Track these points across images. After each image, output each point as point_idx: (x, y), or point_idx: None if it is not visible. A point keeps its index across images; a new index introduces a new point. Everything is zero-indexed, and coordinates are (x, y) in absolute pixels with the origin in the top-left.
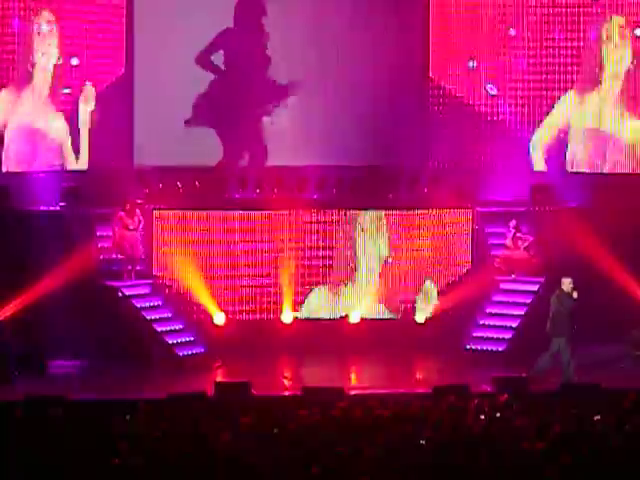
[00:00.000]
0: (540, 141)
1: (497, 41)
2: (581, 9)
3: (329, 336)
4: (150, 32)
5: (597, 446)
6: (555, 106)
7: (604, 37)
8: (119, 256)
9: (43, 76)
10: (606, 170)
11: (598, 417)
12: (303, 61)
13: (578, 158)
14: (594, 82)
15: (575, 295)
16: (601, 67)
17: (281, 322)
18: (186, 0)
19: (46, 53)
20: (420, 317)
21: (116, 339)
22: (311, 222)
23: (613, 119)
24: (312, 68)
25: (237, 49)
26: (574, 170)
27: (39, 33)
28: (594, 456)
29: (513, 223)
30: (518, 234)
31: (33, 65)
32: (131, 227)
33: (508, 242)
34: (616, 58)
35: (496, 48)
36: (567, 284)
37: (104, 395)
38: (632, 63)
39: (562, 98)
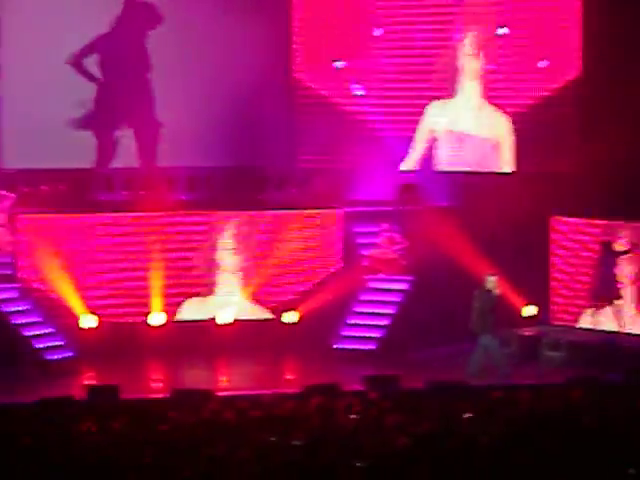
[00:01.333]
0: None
1: (363, 41)
2: (445, 9)
3: (199, 338)
4: (16, 31)
5: (465, 444)
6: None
7: (462, 44)
8: None
9: None
10: (472, 169)
11: (468, 415)
12: (171, 60)
13: (445, 158)
14: (453, 86)
15: (497, 291)
16: (459, 72)
17: (150, 325)
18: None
19: None
20: (289, 317)
21: None
22: (180, 224)
23: (475, 120)
24: (178, 68)
25: (115, 51)
26: (443, 169)
27: None
28: (462, 453)
29: (386, 225)
30: (392, 235)
31: None
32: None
33: (381, 241)
34: (472, 66)
35: (362, 48)
36: (491, 282)
37: None
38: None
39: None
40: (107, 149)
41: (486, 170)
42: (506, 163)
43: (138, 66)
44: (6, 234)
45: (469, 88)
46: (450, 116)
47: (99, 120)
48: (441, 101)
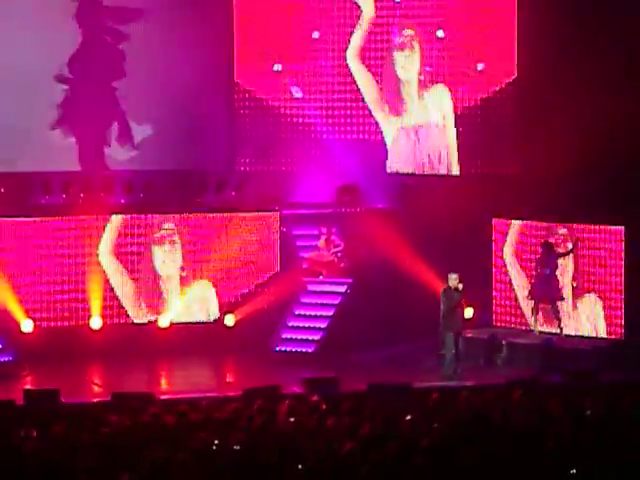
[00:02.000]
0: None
1: (302, 44)
2: (383, 11)
3: (139, 341)
4: None
5: (406, 446)
6: None
7: (397, 45)
8: None
9: None
10: (416, 171)
11: (408, 417)
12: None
13: (391, 160)
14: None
15: (460, 287)
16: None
17: (90, 328)
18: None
19: None
20: (229, 320)
21: None
22: (119, 226)
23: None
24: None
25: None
26: (389, 171)
27: None
28: (403, 456)
29: (325, 228)
30: (331, 237)
31: None
32: None
33: (320, 244)
34: (407, 65)
35: (301, 51)
36: (453, 279)
37: None
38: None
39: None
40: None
41: (433, 171)
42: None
43: (89, 70)
44: None
45: (407, 86)
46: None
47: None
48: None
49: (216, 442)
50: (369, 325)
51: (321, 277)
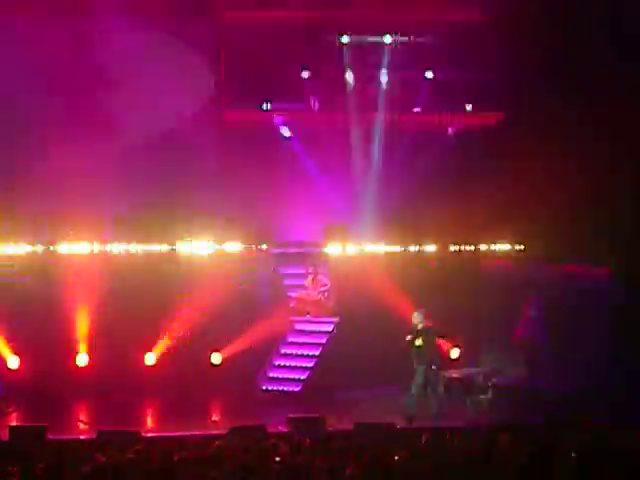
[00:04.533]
0: None
1: (290, 83)
2: (372, 51)
3: (125, 379)
4: None
5: None
6: None
7: None
8: None
9: None
10: None
11: (397, 457)
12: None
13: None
14: None
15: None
16: None
17: (76, 365)
18: None
19: None
20: (216, 359)
21: None
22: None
23: None
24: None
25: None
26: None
27: None
28: None
29: (312, 267)
30: (318, 276)
31: None
32: None
33: (307, 283)
34: None
35: (290, 90)
36: (416, 316)
37: None
38: None
39: None
40: None
41: None
42: None
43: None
44: None
45: None
46: None
47: None
48: None
49: None
50: (355, 364)
51: (308, 316)
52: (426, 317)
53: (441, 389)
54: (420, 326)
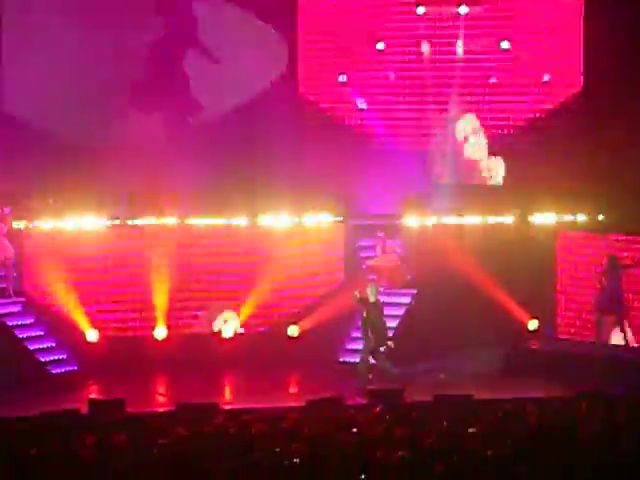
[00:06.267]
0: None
1: (366, 55)
2: (447, 22)
3: (203, 351)
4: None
5: (469, 457)
6: None
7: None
8: None
9: None
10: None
11: (472, 429)
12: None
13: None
14: None
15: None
16: None
17: (154, 338)
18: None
19: None
20: (293, 331)
21: None
22: (182, 235)
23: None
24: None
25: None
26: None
27: None
28: (466, 467)
29: (380, 237)
30: (387, 243)
31: None
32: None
33: (378, 251)
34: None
35: (366, 62)
36: (370, 289)
37: None
38: None
39: None
40: None
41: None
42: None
43: None
44: (6, 246)
45: None
46: None
47: None
48: None
49: (278, 453)
50: (434, 336)
51: (381, 288)
52: (377, 291)
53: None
54: (372, 299)
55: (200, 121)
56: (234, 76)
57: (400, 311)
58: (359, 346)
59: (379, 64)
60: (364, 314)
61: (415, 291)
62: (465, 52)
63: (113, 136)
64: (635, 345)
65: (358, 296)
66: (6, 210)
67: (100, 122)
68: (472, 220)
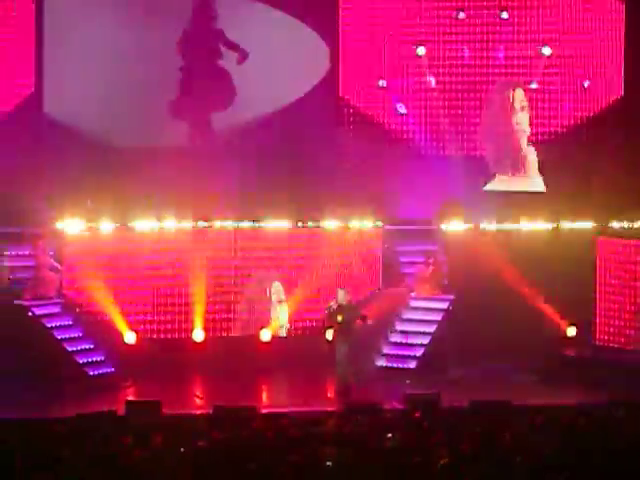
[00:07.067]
0: None
1: (406, 60)
2: (488, 28)
3: (241, 354)
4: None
5: (505, 463)
6: None
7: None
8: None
9: None
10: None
11: (508, 434)
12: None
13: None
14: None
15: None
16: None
17: (192, 341)
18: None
19: None
20: (330, 334)
21: (26, 359)
22: (221, 238)
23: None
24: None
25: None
26: (489, 189)
27: None
28: (501, 474)
29: (427, 244)
30: (433, 254)
31: None
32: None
33: (422, 260)
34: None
35: (405, 67)
36: (340, 294)
37: (12, 415)
38: None
39: None
40: None
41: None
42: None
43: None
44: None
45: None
46: None
47: None
48: None
49: (313, 458)
50: (470, 342)
51: (413, 294)
52: (348, 295)
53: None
54: (344, 303)
55: (242, 123)
56: (275, 78)
57: (437, 317)
58: (397, 351)
59: (419, 69)
60: (339, 319)
61: (452, 297)
62: (505, 57)
63: (156, 137)
64: None
65: (334, 306)
66: (40, 243)
67: (143, 123)
68: (511, 226)
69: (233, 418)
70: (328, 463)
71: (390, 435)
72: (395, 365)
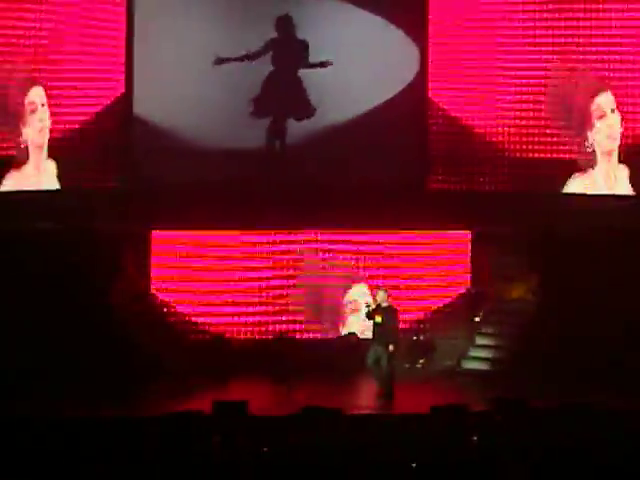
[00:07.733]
0: None
1: (495, 62)
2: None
3: (327, 356)
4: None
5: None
6: None
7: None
8: None
9: None
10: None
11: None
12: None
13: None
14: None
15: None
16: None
17: (280, 342)
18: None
19: None
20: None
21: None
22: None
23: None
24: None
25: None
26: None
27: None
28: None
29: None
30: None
31: None
32: None
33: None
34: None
35: (494, 69)
36: (380, 295)
37: (101, 413)
38: None
39: None
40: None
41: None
42: None
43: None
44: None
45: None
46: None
47: None
48: None
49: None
50: (556, 344)
51: (509, 297)
52: (390, 297)
53: (389, 371)
54: (384, 304)
55: (328, 125)
56: (364, 80)
57: (523, 319)
58: (480, 353)
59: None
60: (378, 320)
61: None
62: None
63: (242, 140)
64: None
65: (371, 306)
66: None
67: (232, 125)
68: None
69: (321, 419)
70: (413, 465)
71: (475, 438)
72: (480, 368)
